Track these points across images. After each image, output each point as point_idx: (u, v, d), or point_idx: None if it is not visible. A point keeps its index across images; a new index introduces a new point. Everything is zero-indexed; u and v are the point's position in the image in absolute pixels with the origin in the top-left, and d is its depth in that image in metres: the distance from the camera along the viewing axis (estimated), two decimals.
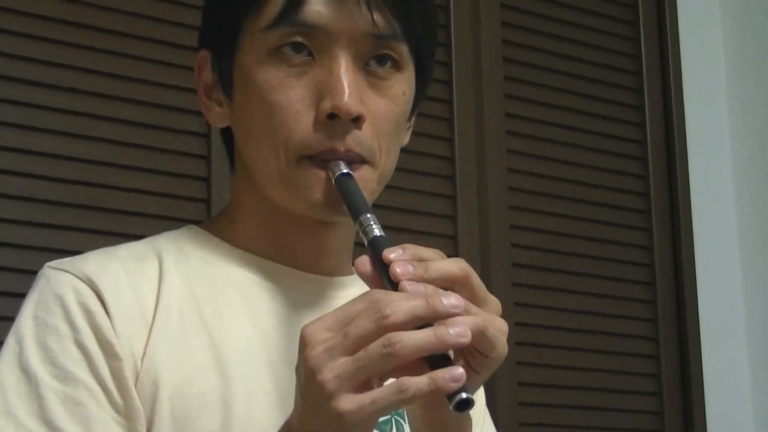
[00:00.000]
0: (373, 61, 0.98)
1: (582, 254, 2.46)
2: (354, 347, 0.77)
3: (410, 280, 0.81)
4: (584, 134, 2.52)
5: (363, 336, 0.77)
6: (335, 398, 0.77)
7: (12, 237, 1.83)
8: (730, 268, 2.66)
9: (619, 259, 2.51)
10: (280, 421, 0.86)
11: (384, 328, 0.77)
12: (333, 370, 0.77)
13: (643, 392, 2.49)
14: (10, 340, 0.94)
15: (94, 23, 1.96)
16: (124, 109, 1.96)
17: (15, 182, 1.85)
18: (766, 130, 2.68)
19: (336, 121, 0.95)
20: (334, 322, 0.80)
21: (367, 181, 0.97)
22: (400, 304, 0.78)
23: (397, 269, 0.82)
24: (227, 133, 1.06)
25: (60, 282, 0.95)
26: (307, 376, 0.79)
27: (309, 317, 0.83)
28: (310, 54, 0.96)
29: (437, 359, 0.78)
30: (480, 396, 1.13)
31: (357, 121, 0.95)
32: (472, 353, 0.83)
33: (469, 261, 2.31)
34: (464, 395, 0.76)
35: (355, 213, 0.91)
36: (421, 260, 0.83)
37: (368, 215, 0.90)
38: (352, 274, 1.04)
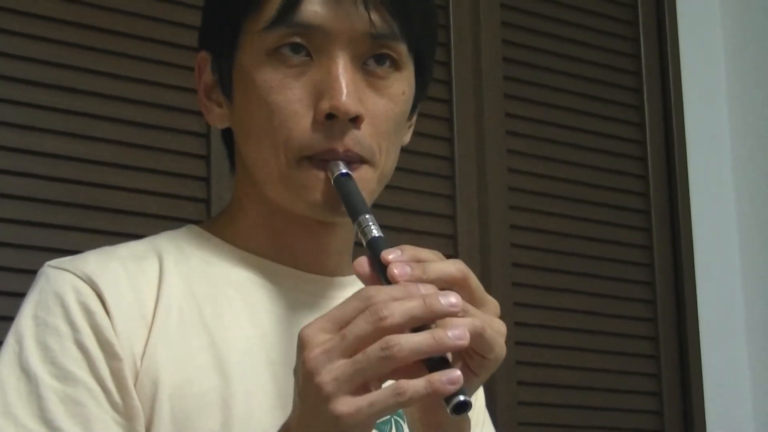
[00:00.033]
0: (372, 60, 0.98)
1: (582, 254, 2.46)
2: (352, 349, 0.77)
3: (408, 281, 0.81)
4: (584, 134, 2.52)
5: (361, 338, 0.77)
6: (333, 400, 0.77)
7: (12, 237, 1.83)
8: (730, 267, 2.66)
9: (619, 259, 2.52)
10: (280, 422, 0.86)
11: (381, 330, 0.77)
12: (331, 372, 0.77)
13: (642, 392, 2.49)
14: (10, 340, 0.94)
15: (94, 23, 1.96)
16: (124, 109, 1.96)
17: (15, 182, 1.85)
18: (766, 129, 2.68)
19: (334, 121, 0.95)
20: (331, 323, 0.80)
21: (367, 181, 0.97)
22: (397, 306, 0.78)
23: (395, 270, 0.81)
24: (227, 134, 1.06)
25: (60, 281, 0.95)
26: (305, 378, 0.79)
27: (309, 317, 0.83)
28: (309, 54, 0.96)
29: (435, 362, 0.78)
30: (480, 397, 1.13)
31: (355, 121, 0.95)
32: (470, 355, 0.83)
33: (469, 261, 2.32)
34: (462, 398, 0.76)
35: (354, 213, 0.91)
36: (419, 261, 0.83)
37: (367, 216, 0.90)
38: (352, 274, 1.03)
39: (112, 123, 1.94)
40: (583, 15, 2.57)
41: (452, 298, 0.79)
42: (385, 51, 0.98)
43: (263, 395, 0.95)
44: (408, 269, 0.82)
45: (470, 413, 1.06)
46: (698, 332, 2.56)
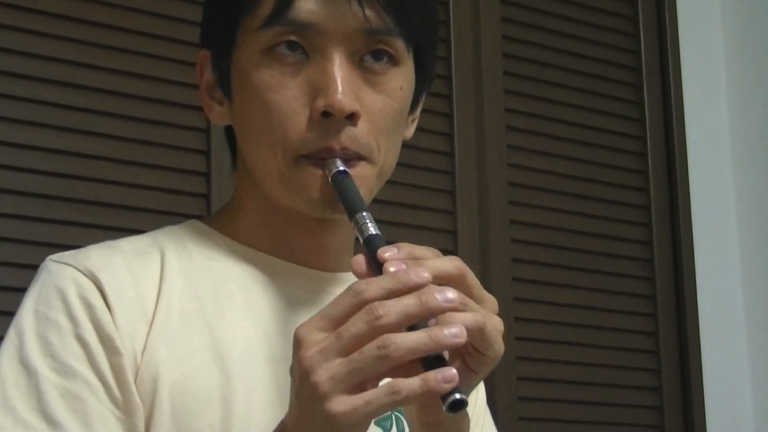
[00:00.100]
0: (369, 56, 0.97)
1: (581, 249, 2.46)
2: (348, 348, 0.77)
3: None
4: (584, 130, 2.52)
5: (357, 337, 0.77)
6: (329, 399, 0.77)
7: (13, 232, 1.83)
8: (730, 262, 2.66)
9: (619, 255, 2.52)
10: (279, 419, 0.85)
11: (378, 328, 0.77)
12: (327, 371, 0.77)
13: (642, 387, 2.49)
14: (11, 334, 0.94)
15: (95, 19, 1.96)
16: (124, 104, 1.96)
17: (15, 177, 1.85)
18: (766, 125, 2.68)
19: (331, 119, 0.95)
20: (325, 321, 0.80)
21: (365, 178, 0.97)
22: (393, 304, 0.78)
23: (391, 269, 0.81)
24: (230, 131, 1.06)
25: (62, 275, 0.95)
26: (301, 377, 0.79)
27: (310, 314, 0.83)
28: (305, 52, 0.96)
29: (431, 360, 0.77)
30: (480, 395, 1.13)
31: (352, 118, 0.95)
32: (469, 352, 0.83)
33: (469, 256, 2.32)
34: (457, 396, 0.76)
35: (351, 211, 0.91)
36: (415, 259, 0.82)
37: (364, 213, 0.90)
38: None
39: (112, 118, 1.94)
40: (583, 11, 2.57)
41: (449, 294, 0.79)
42: (381, 47, 0.97)
43: (263, 392, 0.95)
44: (404, 267, 0.81)
45: (471, 411, 1.07)
46: (698, 327, 2.56)
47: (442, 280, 0.81)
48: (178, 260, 0.99)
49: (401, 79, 0.99)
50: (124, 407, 0.91)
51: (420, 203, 2.26)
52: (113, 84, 1.95)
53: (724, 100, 2.74)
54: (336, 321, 0.79)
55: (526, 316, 2.35)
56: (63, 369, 0.91)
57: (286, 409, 0.85)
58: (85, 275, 0.94)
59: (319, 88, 0.95)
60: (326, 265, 1.04)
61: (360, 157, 0.97)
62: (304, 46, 0.96)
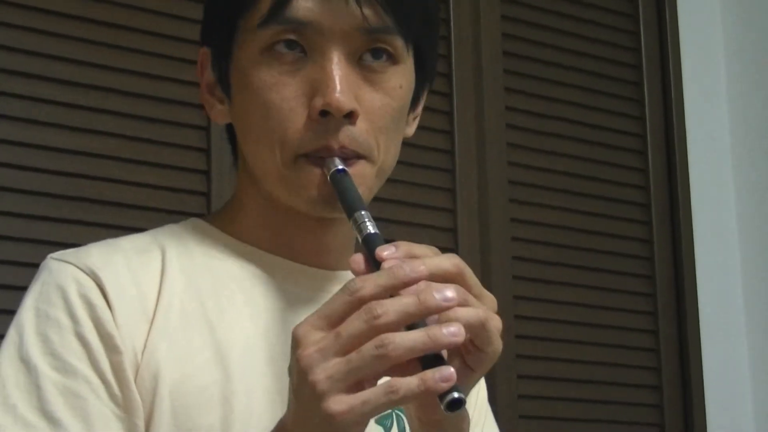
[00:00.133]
0: (368, 55, 0.97)
1: (582, 247, 2.46)
2: (346, 348, 0.77)
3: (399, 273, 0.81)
4: (584, 127, 2.52)
5: (355, 336, 0.77)
6: (327, 399, 0.77)
7: (14, 230, 1.83)
8: (730, 260, 2.66)
9: (619, 252, 2.52)
10: (280, 418, 0.85)
11: (376, 328, 0.77)
12: (326, 370, 0.77)
13: (642, 385, 2.49)
14: (12, 331, 0.94)
15: (95, 17, 1.96)
16: (125, 102, 1.96)
17: (16, 175, 1.86)
18: (766, 122, 2.68)
19: (329, 118, 0.94)
20: (323, 320, 0.80)
21: (364, 177, 0.97)
22: (391, 303, 0.78)
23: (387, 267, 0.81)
24: (231, 129, 1.06)
25: (63, 273, 0.95)
26: (299, 376, 0.79)
27: (311, 313, 0.83)
28: (303, 51, 0.96)
29: (429, 359, 0.77)
30: (482, 393, 1.13)
31: (350, 116, 0.95)
32: (468, 349, 0.83)
33: (469, 254, 2.32)
34: (455, 395, 0.76)
35: (349, 210, 0.91)
36: (414, 257, 0.82)
37: (362, 212, 0.89)
38: None
39: (112, 116, 1.94)
40: (583, 8, 2.57)
41: (448, 293, 0.79)
42: (380, 45, 0.97)
43: (264, 391, 0.95)
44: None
45: (472, 409, 1.07)
46: (698, 325, 2.56)
47: (440, 278, 0.81)
48: (178, 259, 0.99)
49: (400, 77, 0.99)
50: (124, 406, 0.91)
51: (420, 201, 2.26)
52: (114, 82, 1.95)
53: (724, 94, 2.74)
54: (333, 320, 0.79)
55: (527, 314, 2.35)
56: (63, 367, 0.91)
57: (285, 407, 0.85)
58: (86, 273, 0.94)
59: (317, 87, 0.95)
60: (327, 263, 1.04)
61: (359, 156, 0.96)
62: (302, 44, 0.96)
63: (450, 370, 0.76)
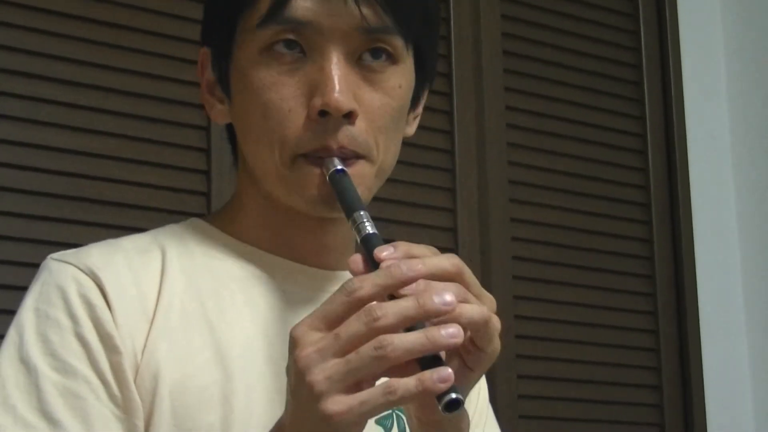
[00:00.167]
0: (368, 54, 0.97)
1: (582, 247, 2.46)
2: (345, 349, 0.77)
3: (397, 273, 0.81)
4: (584, 127, 2.52)
5: (354, 338, 0.77)
6: (324, 399, 0.77)
7: (14, 230, 1.84)
8: (730, 260, 2.66)
9: (619, 252, 2.52)
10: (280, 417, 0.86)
11: (375, 330, 0.77)
12: (324, 371, 0.77)
13: (642, 385, 2.49)
14: (12, 332, 0.94)
15: (96, 16, 1.96)
16: (125, 102, 1.96)
17: (17, 175, 1.86)
18: (766, 125, 2.68)
19: (328, 118, 0.94)
20: (320, 321, 0.80)
21: (363, 177, 0.97)
22: (390, 306, 0.78)
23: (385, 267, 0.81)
24: (231, 129, 1.06)
25: (63, 274, 0.95)
26: (297, 376, 0.79)
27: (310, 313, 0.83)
28: (302, 51, 0.96)
29: (427, 359, 0.77)
30: (483, 393, 1.13)
31: (349, 116, 0.95)
32: (467, 349, 0.83)
33: (469, 254, 2.32)
34: (453, 395, 0.76)
35: (348, 210, 0.91)
36: (413, 257, 0.82)
37: (361, 212, 0.89)
38: None
39: (112, 116, 1.94)
40: (583, 8, 2.57)
41: (447, 296, 0.78)
42: (379, 45, 0.97)
43: (264, 391, 0.95)
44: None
45: (473, 409, 1.07)
46: (698, 325, 2.56)
47: (439, 278, 0.81)
48: (179, 258, 0.99)
49: (400, 77, 0.99)
50: (123, 406, 0.92)
51: (420, 201, 2.26)
52: (114, 82, 1.95)
53: (724, 94, 2.74)
54: (331, 320, 0.79)
55: (527, 314, 2.35)
56: (63, 367, 0.91)
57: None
58: (86, 274, 0.94)
59: (316, 87, 0.95)
60: (327, 263, 1.04)
61: (358, 156, 0.96)
62: (301, 44, 0.96)
63: (448, 371, 0.76)
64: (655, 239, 2.56)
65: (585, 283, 2.45)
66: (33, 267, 1.00)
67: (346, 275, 1.03)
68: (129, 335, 0.93)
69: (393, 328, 0.77)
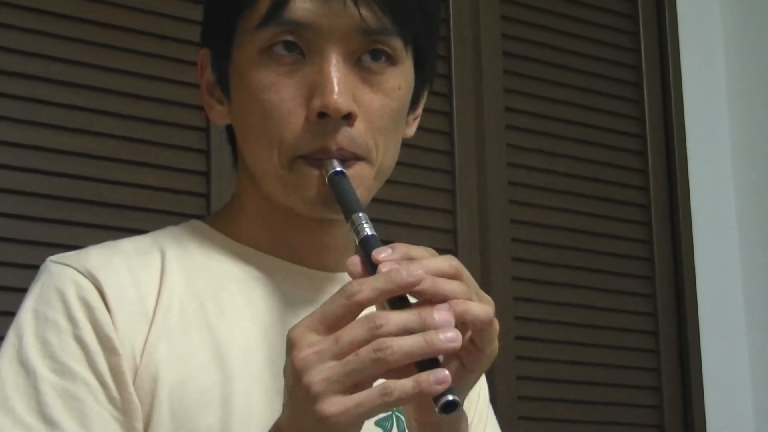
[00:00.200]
0: (367, 56, 0.97)
1: (581, 248, 2.46)
2: (344, 353, 0.77)
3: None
4: (584, 128, 2.52)
5: (354, 343, 0.77)
6: (321, 401, 0.77)
7: (13, 232, 1.83)
8: (730, 261, 2.66)
9: (619, 254, 2.52)
10: None
11: (376, 338, 0.77)
12: (321, 372, 0.77)
13: (642, 386, 2.49)
14: (11, 334, 0.94)
15: (95, 18, 1.96)
16: (124, 103, 1.96)
17: (16, 177, 1.86)
18: (765, 122, 2.68)
19: (327, 119, 0.94)
20: (318, 322, 0.80)
21: (363, 178, 0.97)
22: (393, 316, 0.78)
23: (385, 270, 0.81)
24: (230, 130, 1.06)
25: (62, 276, 0.95)
26: (294, 378, 0.79)
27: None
28: (301, 52, 0.96)
29: (424, 361, 0.77)
30: (483, 394, 1.13)
31: (348, 118, 0.95)
32: (467, 349, 0.83)
33: (469, 256, 2.31)
34: (450, 397, 0.76)
35: (347, 212, 0.91)
36: (411, 259, 0.82)
37: (360, 214, 0.89)
38: None
39: (112, 118, 1.94)
40: (583, 9, 2.58)
41: (445, 314, 0.79)
42: (378, 46, 0.97)
43: (263, 392, 0.95)
44: (398, 268, 0.81)
45: (474, 409, 1.07)
46: (698, 326, 2.56)
47: None
48: (178, 260, 0.99)
49: (399, 78, 0.99)
50: (122, 408, 0.91)
51: (420, 202, 2.26)
52: (113, 83, 1.95)
53: (723, 95, 2.74)
54: (329, 323, 0.79)
55: (526, 315, 2.35)
56: (62, 370, 0.91)
57: None
58: (85, 276, 0.94)
59: (315, 89, 0.95)
60: (326, 265, 1.04)
61: (357, 158, 0.96)
62: (300, 46, 0.96)
63: (445, 373, 0.76)
64: (655, 240, 2.56)
65: (584, 284, 2.45)
66: (32, 268, 1.00)
67: (346, 277, 1.03)
68: (128, 337, 0.93)
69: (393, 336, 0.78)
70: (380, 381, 0.78)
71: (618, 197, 2.54)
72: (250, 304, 0.99)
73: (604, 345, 2.45)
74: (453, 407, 0.76)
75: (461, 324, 0.82)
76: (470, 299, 0.81)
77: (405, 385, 0.76)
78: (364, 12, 0.95)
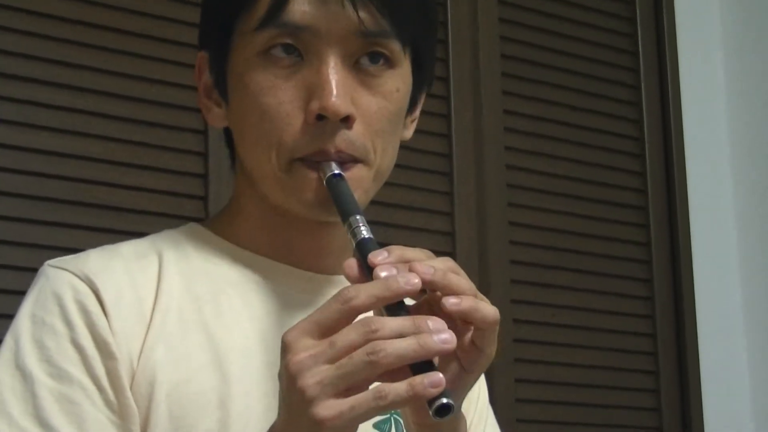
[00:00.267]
0: (366, 58, 0.97)
1: (580, 251, 2.46)
2: (339, 357, 0.77)
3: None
4: (582, 131, 2.52)
5: (350, 348, 0.77)
6: (315, 404, 0.77)
7: (12, 235, 1.83)
8: (728, 263, 2.66)
9: (617, 256, 2.52)
10: None
11: (370, 342, 0.77)
12: (315, 376, 0.77)
13: (640, 389, 2.49)
14: (8, 338, 0.94)
15: (92, 21, 1.96)
16: (122, 106, 1.96)
17: (14, 179, 1.85)
18: (764, 124, 2.68)
19: (325, 122, 0.94)
20: (313, 327, 0.80)
21: (361, 180, 0.97)
22: (389, 321, 0.78)
23: (382, 273, 0.81)
24: (228, 133, 1.05)
25: (59, 280, 0.95)
26: (288, 381, 0.79)
27: None
28: (300, 55, 0.96)
29: (419, 364, 0.77)
30: (483, 395, 1.13)
31: (347, 121, 0.95)
32: (466, 350, 0.83)
33: (467, 258, 2.31)
34: (444, 400, 0.76)
35: (344, 215, 0.91)
36: (407, 261, 0.82)
37: (357, 217, 0.90)
38: None
39: (110, 120, 1.94)
40: (581, 12, 2.58)
41: (439, 322, 0.78)
42: (377, 49, 0.97)
43: (261, 395, 0.95)
44: (394, 272, 0.81)
45: (473, 410, 1.07)
46: (696, 329, 2.56)
47: (434, 285, 0.81)
48: (176, 263, 0.99)
49: (397, 80, 0.99)
50: (119, 412, 0.91)
51: (418, 205, 2.26)
52: (111, 86, 1.95)
53: (722, 98, 2.74)
54: (324, 327, 0.79)
55: (525, 317, 2.35)
56: (58, 374, 0.91)
57: None
58: (82, 280, 0.94)
59: (313, 91, 0.95)
60: (325, 267, 1.03)
61: (355, 160, 0.96)
62: (299, 48, 0.96)
63: (439, 376, 0.76)
64: (653, 243, 2.56)
65: (583, 286, 2.45)
66: (31, 271, 1.00)
67: (344, 279, 1.03)
68: (125, 341, 0.92)
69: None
70: (376, 384, 0.78)
71: (616, 200, 2.54)
72: (248, 306, 0.99)
73: (603, 347, 2.45)
74: (447, 410, 0.76)
75: (463, 323, 0.82)
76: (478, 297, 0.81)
77: (399, 388, 0.76)
78: (363, 14, 0.95)
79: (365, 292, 0.79)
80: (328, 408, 0.76)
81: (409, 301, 0.82)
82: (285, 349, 0.80)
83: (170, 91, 1.99)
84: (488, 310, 0.81)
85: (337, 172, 0.94)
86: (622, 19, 2.64)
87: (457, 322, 0.82)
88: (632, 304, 2.52)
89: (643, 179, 2.58)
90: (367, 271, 0.83)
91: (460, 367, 0.84)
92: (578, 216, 2.48)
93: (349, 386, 0.77)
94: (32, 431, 0.89)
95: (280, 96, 0.96)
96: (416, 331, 0.77)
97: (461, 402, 0.87)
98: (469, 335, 0.83)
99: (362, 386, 0.78)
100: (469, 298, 0.81)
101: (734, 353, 2.62)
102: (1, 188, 1.84)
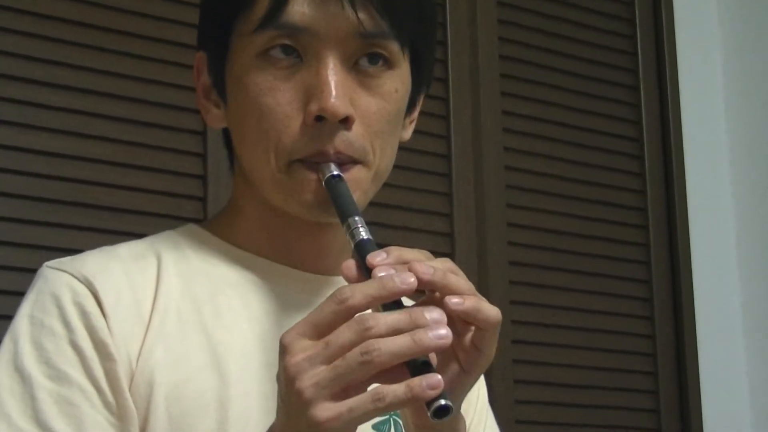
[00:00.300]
0: (365, 59, 0.97)
1: (579, 252, 2.46)
2: (335, 357, 0.77)
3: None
4: (581, 132, 2.52)
5: (345, 347, 0.77)
6: (313, 406, 0.77)
7: (10, 235, 1.83)
8: (727, 264, 2.66)
9: (616, 257, 2.52)
10: None
11: (365, 340, 0.77)
12: (312, 378, 0.77)
13: (639, 390, 2.49)
14: (7, 340, 0.94)
15: (92, 21, 1.96)
16: (121, 107, 1.96)
17: (13, 180, 1.85)
18: (763, 125, 2.68)
19: (324, 123, 0.94)
20: (310, 328, 0.79)
21: (360, 181, 0.97)
22: (383, 317, 0.77)
23: (380, 274, 0.81)
24: (227, 134, 1.05)
25: (57, 282, 0.95)
26: (286, 383, 0.79)
27: None
28: (299, 56, 0.96)
29: (417, 365, 0.77)
30: (482, 395, 1.13)
31: (346, 122, 0.95)
32: (466, 351, 0.83)
33: (466, 259, 2.31)
34: (442, 402, 0.75)
35: (343, 216, 0.91)
36: (405, 262, 0.82)
37: (356, 218, 0.89)
38: None
39: (109, 121, 1.94)
40: (580, 12, 2.58)
41: (437, 314, 0.78)
42: (376, 50, 0.97)
43: (260, 396, 0.95)
44: (393, 272, 0.81)
45: (473, 410, 1.07)
46: (695, 330, 2.56)
47: (432, 286, 0.81)
48: (175, 264, 0.99)
49: (396, 81, 0.99)
50: (118, 413, 0.91)
51: (417, 206, 2.26)
52: (110, 87, 1.95)
53: (721, 98, 2.74)
54: (321, 328, 0.79)
55: (523, 318, 2.35)
56: (57, 375, 0.91)
57: None
58: (81, 281, 0.94)
59: (312, 92, 0.95)
60: (324, 268, 1.03)
61: (354, 161, 0.96)
62: (298, 49, 0.96)
63: (437, 378, 0.76)
64: (652, 244, 2.56)
65: (582, 287, 2.45)
66: (30, 272, 1.00)
67: (343, 280, 1.03)
68: (124, 342, 0.92)
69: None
70: (375, 385, 0.78)
71: (615, 201, 2.54)
72: (247, 307, 0.99)
73: (601, 348, 2.45)
74: (446, 412, 0.76)
75: (463, 324, 0.82)
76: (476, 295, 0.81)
77: (397, 390, 0.76)
78: (362, 15, 0.95)
79: (361, 291, 0.79)
80: (326, 410, 0.76)
81: (408, 303, 0.82)
82: (283, 350, 0.80)
83: (169, 92, 1.99)
84: (491, 310, 0.81)
85: (336, 173, 0.94)
86: (621, 20, 2.64)
87: (456, 322, 0.82)
88: (631, 305, 2.52)
89: (642, 180, 2.58)
90: (365, 272, 0.82)
91: (459, 368, 0.83)
92: (577, 217, 2.48)
93: (345, 387, 0.77)
94: None
95: (278, 97, 0.96)
96: (412, 326, 0.77)
97: (460, 403, 0.87)
98: (469, 336, 0.83)
99: (360, 386, 0.77)
100: (472, 298, 0.81)
101: (733, 354, 2.62)
102: (1, 189, 1.84)
